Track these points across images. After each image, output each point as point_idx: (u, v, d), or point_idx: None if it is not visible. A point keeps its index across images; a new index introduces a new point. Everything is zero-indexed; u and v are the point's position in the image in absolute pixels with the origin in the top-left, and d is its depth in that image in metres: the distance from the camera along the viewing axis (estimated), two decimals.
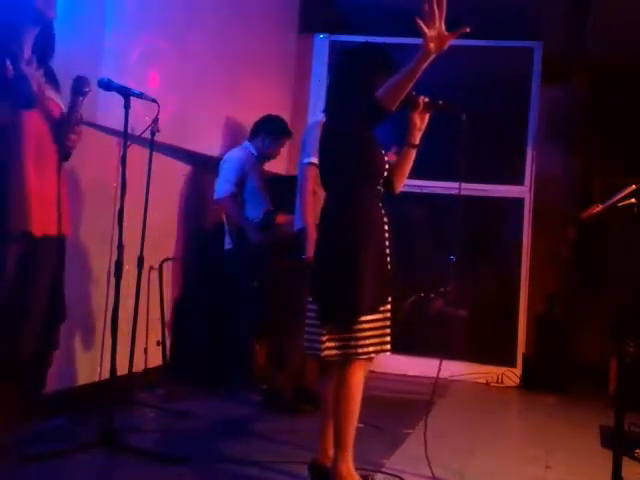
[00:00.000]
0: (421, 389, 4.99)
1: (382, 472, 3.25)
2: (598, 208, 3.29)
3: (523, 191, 6.04)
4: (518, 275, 6.00)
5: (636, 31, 5.67)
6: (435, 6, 2.64)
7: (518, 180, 6.05)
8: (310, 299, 3.05)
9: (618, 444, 3.09)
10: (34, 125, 2.87)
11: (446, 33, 2.67)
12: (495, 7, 5.55)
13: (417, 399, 4.78)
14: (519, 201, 6.06)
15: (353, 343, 2.90)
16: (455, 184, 5.64)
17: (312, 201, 4.19)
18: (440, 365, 3.09)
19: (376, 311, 2.93)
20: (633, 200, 3.12)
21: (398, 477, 3.22)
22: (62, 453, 3.12)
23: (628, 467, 3.31)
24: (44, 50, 2.98)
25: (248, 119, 5.15)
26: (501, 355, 5.95)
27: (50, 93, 2.98)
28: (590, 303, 6.37)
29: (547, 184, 6.19)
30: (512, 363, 5.89)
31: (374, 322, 2.92)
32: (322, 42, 6.28)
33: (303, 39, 6.31)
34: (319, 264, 3.05)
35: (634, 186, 3.15)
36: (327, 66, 6.07)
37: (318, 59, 6.22)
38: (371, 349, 2.92)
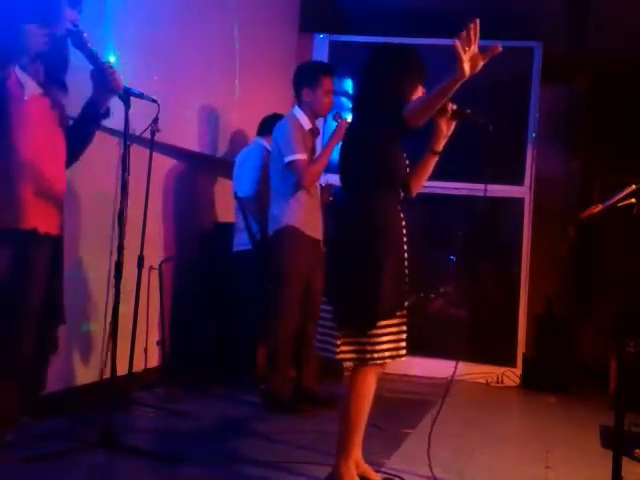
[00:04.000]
0: (422, 389, 5.00)
1: (382, 472, 3.25)
2: (598, 208, 3.29)
3: (523, 191, 6.03)
4: (518, 275, 6.00)
5: (636, 30, 5.67)
6: (472, 31, 2.59)
7: (518, 180, 6.04)
8: (325, 299, 3.01)
9: (618, 444, 3.08)
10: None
11: (480, 55, 2.64)
12: (495, 7, 5.54)
13: (418, 399, 4.79)
14: (519, 201, 6.06)
15: (369, 348, 2.87)
16: (454, 184, 5.81)
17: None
18: (456, 367, 3.09)
19: (394, 316, 2.89)
20: (633, 200, 3.12)
21: (398, 477, 3.22)
22: (62, 453, 3.12)
23: (628, 467, 3.32)
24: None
25: (248, 118, 5.15)
26: (501, 355, 5.94)
27: (37, 91, 2.91)
28: (590, 303, 6.38)
29: (547, 184, 6.19)
30: (512, 363, 5.88)
31: (391, 327, 2.88)
32: (322, 42, 6.28)
33: (303, 39, 6.32)
34: (336, 265, 2.99)
35: (634, 186, 3.15)
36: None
37: (318, 59, 6.22)
38: (387, 354, 2.89)
